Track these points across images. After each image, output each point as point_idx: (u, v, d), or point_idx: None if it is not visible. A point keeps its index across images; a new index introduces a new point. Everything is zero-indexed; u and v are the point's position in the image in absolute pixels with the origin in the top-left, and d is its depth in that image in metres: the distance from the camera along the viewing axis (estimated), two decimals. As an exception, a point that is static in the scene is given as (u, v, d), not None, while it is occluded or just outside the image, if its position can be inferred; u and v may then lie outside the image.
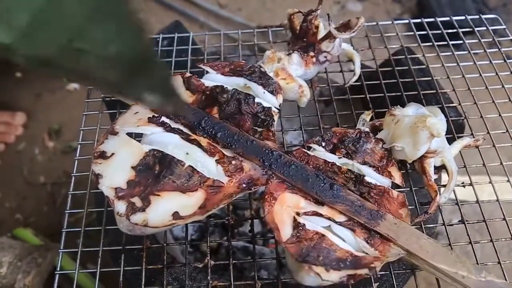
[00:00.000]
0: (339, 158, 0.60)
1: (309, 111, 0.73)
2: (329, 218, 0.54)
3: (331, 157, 0.60)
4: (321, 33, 0.72)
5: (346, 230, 0.54)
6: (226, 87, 0.63)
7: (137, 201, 0.53)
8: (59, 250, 0.61)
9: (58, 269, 0.59)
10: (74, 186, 0.66)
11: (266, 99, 0.64)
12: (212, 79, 0.66)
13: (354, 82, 0.75)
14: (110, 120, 0.80)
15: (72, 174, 0.67)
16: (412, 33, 0.85)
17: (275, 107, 0.64)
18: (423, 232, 0.61)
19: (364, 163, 0.60)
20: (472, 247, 0.60)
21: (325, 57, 0.72)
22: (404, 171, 0.64)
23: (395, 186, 0.61)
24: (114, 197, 0.53)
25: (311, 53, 0.71)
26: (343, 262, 0.50)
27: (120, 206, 0.53)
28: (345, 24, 0.71)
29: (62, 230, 0.62)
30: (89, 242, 0.62)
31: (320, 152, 0.61)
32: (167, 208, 0.53)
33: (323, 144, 0.61)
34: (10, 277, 0.89)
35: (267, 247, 0.93)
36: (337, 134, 0.62)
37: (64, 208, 0.64)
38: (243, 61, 0.68)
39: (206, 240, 0.61)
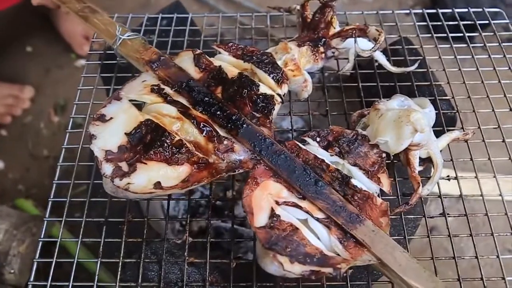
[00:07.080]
0: (331, 155, 0.60)
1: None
2: (307, 212, 0.55)
3: (323, 153, 0.60)
4: (334, 29, 0.71)
5: (322, 227, 0.54)
6: (234, 69, 0.64)
7: (124, 166, 0.55)
8: (44, 219, 0.63)
9: (42, 236, 0.61)
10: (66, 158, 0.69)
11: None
12: (222, 59, 0.67)
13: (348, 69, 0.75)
14: (106, 95, 0.81)
15: (63, 146, 0.70)
16: (411, 23, 0.84)
17: (278, 95, 0.64)
18: (403, 224, 0.61)
19: (355, 164, 0.59)
20: (451, 240, 0.60)
21: (333, 53, 0.72)
22: (388, 161, 0.64)
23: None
24: (103, 158, 0.55)
25: (321, 49, 0.70)
26: (310, 258, 0.50)
27: (107, 168, 0.55)
28: (361, 28, 0.69)
29: (49, 199, 0.64)
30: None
31: (313, 147, 0.61)
32: (151, 177, 0.54)
33: (318, 139, 0.61)
34: (5, 244, 0.92)
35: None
36: (334, 132, 0.61)
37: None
38: (256, 47, 0.68)
39: (186, 217, 0.63)
